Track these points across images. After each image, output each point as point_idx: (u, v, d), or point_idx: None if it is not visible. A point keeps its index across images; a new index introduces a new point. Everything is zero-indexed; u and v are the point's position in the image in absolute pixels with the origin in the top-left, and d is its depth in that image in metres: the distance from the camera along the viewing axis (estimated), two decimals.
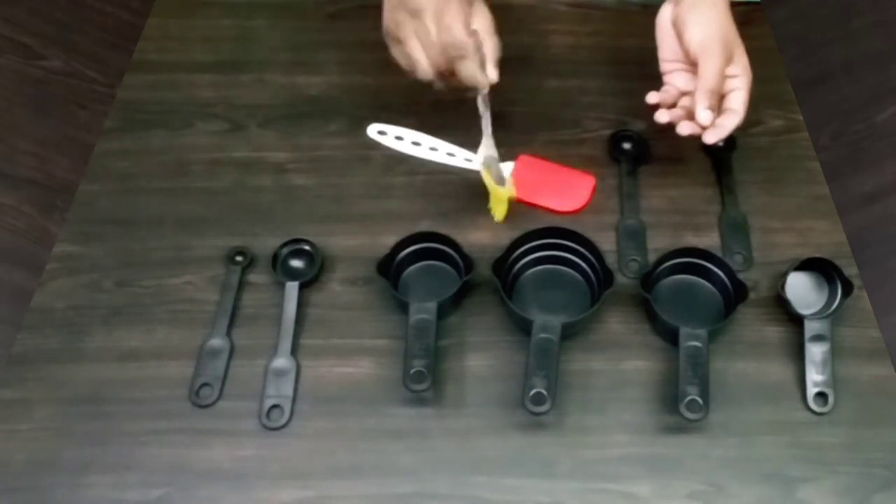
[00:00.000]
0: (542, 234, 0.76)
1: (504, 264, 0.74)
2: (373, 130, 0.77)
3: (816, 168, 0.87)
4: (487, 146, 0.77)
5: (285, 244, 0.77)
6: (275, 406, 0.68)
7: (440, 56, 0.71)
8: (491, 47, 0.73)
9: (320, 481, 0.65)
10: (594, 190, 0.84)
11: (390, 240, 0.75)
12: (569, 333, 0.71)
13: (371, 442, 0.67)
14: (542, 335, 0.68)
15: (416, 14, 0.70)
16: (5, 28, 1.73)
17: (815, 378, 0.70)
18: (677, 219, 0.82)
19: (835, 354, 0.71)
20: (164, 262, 0.78)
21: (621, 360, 0.72)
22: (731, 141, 0.88)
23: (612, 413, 0.69)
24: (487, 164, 0.77)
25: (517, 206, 0.81)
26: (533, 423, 0.68)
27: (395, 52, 0.74)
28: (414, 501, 0.65)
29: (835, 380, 0.70)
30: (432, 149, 0.78)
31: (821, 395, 0.69)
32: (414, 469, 0.66)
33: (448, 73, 0.72)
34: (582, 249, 0.76)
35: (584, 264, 0.76)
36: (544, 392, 0.65)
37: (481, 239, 0.78)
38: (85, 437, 0.67)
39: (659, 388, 0.70)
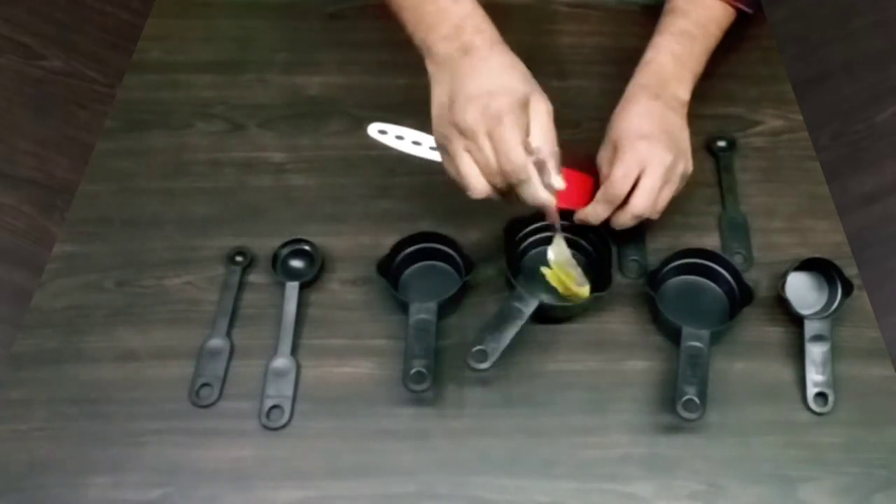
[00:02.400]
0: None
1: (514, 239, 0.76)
2: (373, 129, 0.77)
3: (816, 168, 0.87)
4: (559, 247, 0.72)
5: (285, 244, 0.77)
6: (275, 406, 0.68)
7: (498, 177, 0.64)
8: (551, 153, 0.65)
9: (320, 481, 0.65)
10: (594, 190, 0.83)
11: (390, 240, 0.75)
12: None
13: (371, 442, 0.67)
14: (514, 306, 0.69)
15: (466, 133, 0.63)
16: (5, 28, 1.73)
17: (815, 378, 0.70)
18: (677, 219, 0.82)
19: (835, 354, 0.71)
20: (164, 262, 0.78)
21: (621, 360, 0.72)
22: (731, 141, 0.88)
23: (612, 413, 0.69)
24: (559, 263, 0.71)
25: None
26: (533, 423, 0.68)
27: (446, 163, 0.67)
28: (414, 501, 0.65)
29: (835, 380, 0.70)
30: (433, 148, 0.78)
31: (821, 395, 0.69)
32: (414, 469, 0.66)
33: (506, 191, 0.66)
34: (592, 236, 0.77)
35: (590, 248, 0.78)
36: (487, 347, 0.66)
37: (481, 239, 0.78)
38: (85, 437, 0.67)
39: (659, 389, 0.70)
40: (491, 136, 0.62)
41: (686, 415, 0.65)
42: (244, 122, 0.90)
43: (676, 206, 0.83)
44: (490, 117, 0.62)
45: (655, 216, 0.74)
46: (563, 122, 0.89)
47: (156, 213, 0.82)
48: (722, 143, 0.88)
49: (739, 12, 0.85)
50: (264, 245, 0.77)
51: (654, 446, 0.67)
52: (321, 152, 0.87)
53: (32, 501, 0.65)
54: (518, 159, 0.62)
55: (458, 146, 0.64)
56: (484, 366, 0.65)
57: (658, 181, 0.72)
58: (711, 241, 0.80)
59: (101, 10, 1.79)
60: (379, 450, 0.67)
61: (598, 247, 0.77)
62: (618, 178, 0.71)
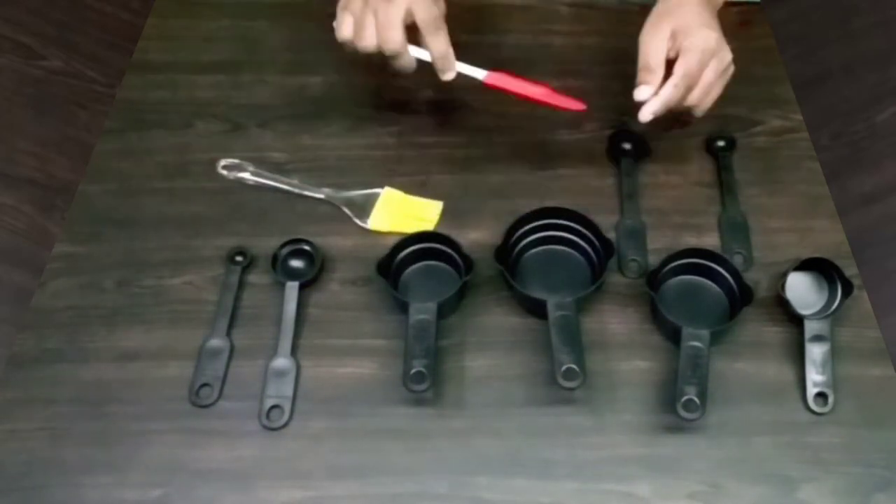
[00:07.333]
0: (539, 215, 0.77)
1: (505, 250, 0.75)
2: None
3: (816, 168, 0.87)
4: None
5: (285, 244, 0.77)
6: (275, 406, 0.68)
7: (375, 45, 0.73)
8: (433, 41, 0.73)
9: (320, 481, 0.65)
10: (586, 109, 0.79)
11: (390, 240, 0.75)
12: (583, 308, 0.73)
13: (371, 442, 0.67)
14: (559, 313, 0.69)
15: (369, 3, 0.71)
16: (5, 28, 1.73)
17: (815, 378, 0.70)
18: (677, 219, 0.82)
19: (835, 354, 0.71)
20: (164, 262, 0.78)
21: (621, 360, 0.72)
22: (731, 141, 0.88)
23: (612, 413, 0.69)
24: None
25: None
26: (533, 423, 0.68)
27: (345, 21, 0.74)
28: (414, 501, 0.65)
29: (835, 380, 0.70)
30: None
31: (821, 395, 0.69)
32: (414, 469, 0.66)
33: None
34: (580, 228, 0.77)
35: (583, 242, 0.78)
36: (575, 367, 0.66)
37: (481, 239, 0.78)
38: (85, 437, 0.67)
39: (659, 389, 0.70)
40: (377, 8, 0.71)
41: (686, 415, 0.65)
42: (244, 122, 0.90)
43: (676, 206, 0.84)
44: None
45: (701, 113, 0.75)
46: (563, 122, 0.90)
47: (156, 213, 0.82)
48: (722, 143, 0.88)
49: None
50: (264, 245, 0.77)
51: (654, 446, 0.68)
52: (321, 152, 0.87)
53: (32, 501, 0.65)
54: (394, 39, 0.71)
55: (356, 6, 0.73)
56: (575, 383, 0.65)
57: (715, 77, 0.73)
58: (711, 241, 0.80)
59: (101, 10, 1.78)
60: (379, 450, 0.67)
61: (587, 224, 0.77)
62: (693, 64, 0.72)
